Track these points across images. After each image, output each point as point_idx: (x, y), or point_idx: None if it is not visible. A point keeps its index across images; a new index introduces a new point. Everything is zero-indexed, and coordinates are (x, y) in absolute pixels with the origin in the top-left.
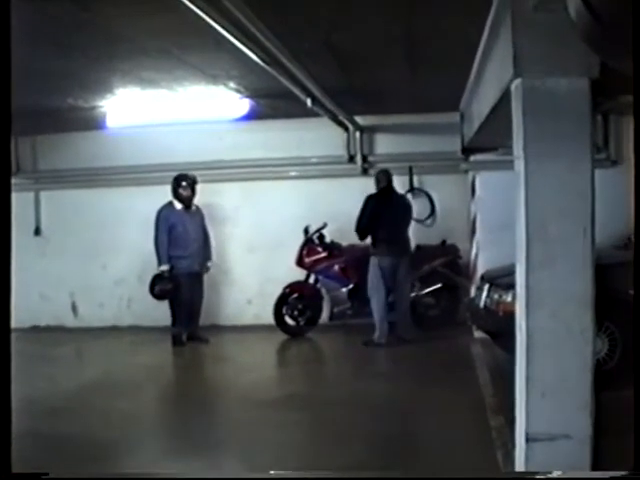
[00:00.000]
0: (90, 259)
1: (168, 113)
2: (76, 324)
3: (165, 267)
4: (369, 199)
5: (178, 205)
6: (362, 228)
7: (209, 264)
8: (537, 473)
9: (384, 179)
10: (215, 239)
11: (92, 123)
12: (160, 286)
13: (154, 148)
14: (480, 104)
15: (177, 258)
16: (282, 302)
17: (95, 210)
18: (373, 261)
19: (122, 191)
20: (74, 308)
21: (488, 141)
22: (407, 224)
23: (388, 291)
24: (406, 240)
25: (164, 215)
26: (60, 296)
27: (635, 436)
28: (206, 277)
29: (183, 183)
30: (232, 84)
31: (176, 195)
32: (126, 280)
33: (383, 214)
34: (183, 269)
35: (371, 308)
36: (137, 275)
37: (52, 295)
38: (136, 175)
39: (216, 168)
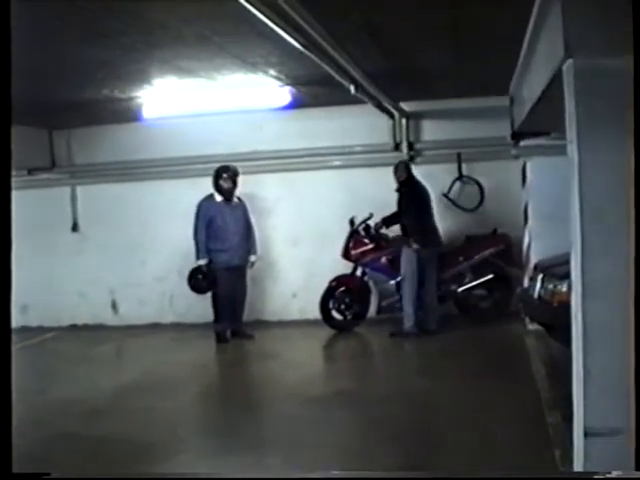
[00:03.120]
0: (129, 255)
1: (207, 103)
2: (116, 322)
3: (202, 261)
4: (398, 192)
5: (219, 197)
6: (403, 218)
7: (253, 258)
8: (595, 473)
9: (404, 171)
10: (258, 232)
11: (129, 115)
12: (195, 280)
13: (193, 139)
14: (530, 87)
15: (216, 252)
16: (328, 296)
17: (133, 204)
18: (408, 253)
19: (161, 184)
20: (114, 306)
21: (539, 125)
22: (432, 213)
23: (420, 282)
24: (436, 230)
25: (203, 208)
26: (99, 294)
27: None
28: (249, 271)
29: (224, 175)
30: (272, 72)
31: (217, 187)
32: (167, 276)
33: (414, 204)
34: (221, 263)
35: (402, 298)
36: (178, 271)
37: (91, 293)
38: (175, 168)
39: (257, 159)
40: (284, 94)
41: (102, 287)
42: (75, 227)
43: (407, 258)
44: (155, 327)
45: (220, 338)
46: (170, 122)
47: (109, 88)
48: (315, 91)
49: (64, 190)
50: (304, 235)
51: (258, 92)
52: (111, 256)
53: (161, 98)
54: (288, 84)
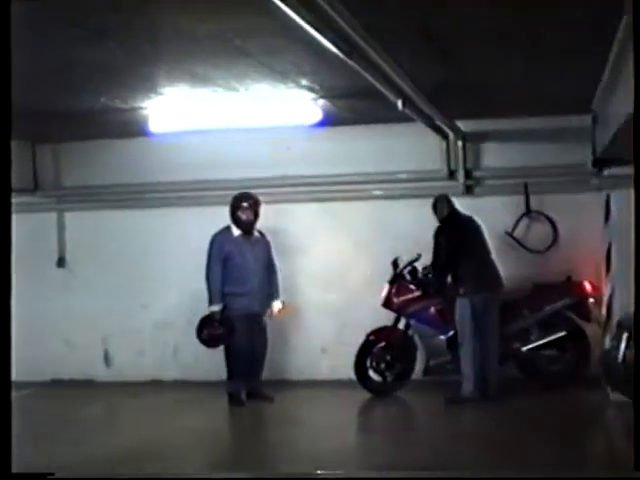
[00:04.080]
0: (128, 297)
1: (225, 117)
2: (109, 377)
3: (216, 307)
4: (440, 233)
5: (236, 231)
6: (442, 268)
7: (277, 305)
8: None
9: (446, 206)
10: (282, 273)
11: (131, 128)
12: (208, 330)
13: (207, 160)
14: (619, 104)
15: (232, 296)
16: (365, 352)
17: (134, 236)
18: (461, 302)
19: (167, 213)
20: (107, 357)
21: (628, 151)
22: (489, 250)
23: (479, 337)
24: (496, 273)
25: (218, 243)
26: (89, 343)
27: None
28: (271, 321)
29: (243, 204)
30: (304, 82)
31: (235, 219)
32: (172, 323)
33: (461, 246)
34: (239, 310)
35: (456, 356)
36: (186, 317)
37: (79, 341)
38: (185, 194)
39: (284, 185)
40: (317, 109)
41: (93, 334)
42: (62, 262)
43: (460, 312)
44: (156, 384)
45: (234, 400)
46: (180, 139)
47: (108, 96)
48: (354, 106)
49: (49, 216)
50: (337, 279)
51: (287, 106)
52: (104, 297)
53: (170, 110)
54: (322, 97)
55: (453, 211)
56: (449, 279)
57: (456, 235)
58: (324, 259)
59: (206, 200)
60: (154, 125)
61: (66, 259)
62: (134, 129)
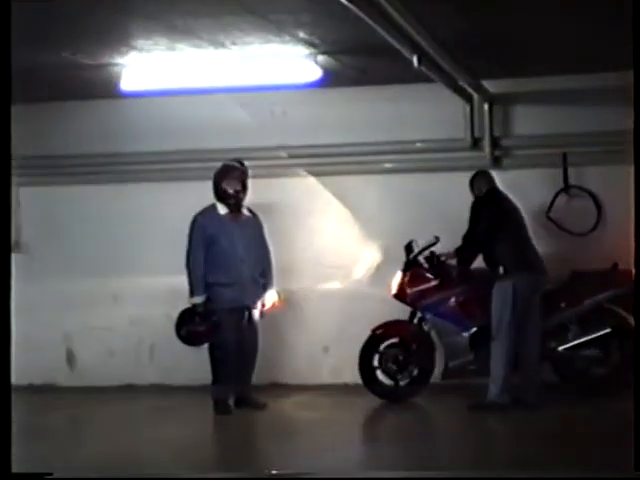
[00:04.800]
0: (95, 287)
1: (210, 76)
2: (73, 382)
3: (198, 299)
4: (478, 207)
5: (222, 209)
6: (478, 243)
7: (270, 297)
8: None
9: (486, 182)
10: (276, 260)
11: (98, 88)
12: (189, 327)
13: (189, 127)
14: None
15: (217, 286)
16: (372, 350)
17: (102, 216)
18: (501, 286)
19: (143, 189)
20: (70, 358)
21: None
22: (530, 236)
23: (518, 331)
24: (539, 257)
25: (200, 224)
26: (50, 340)
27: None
28: (261, 314)
29: (229, 176)
30: (302, 34)
31: (219, 193)
32: (149, 317)
33: (502, 223)
34: (225, 302)
35: (489, 354)
36: (164, 311)
37: (38, 339)
38: (163, 166)
39: (279, 157)
40: (317, 67)
41: (54, 331)
42: (16, 245)
43: (501, 297)
44: (128, 390)
45: (219, 408)
46: (157, 102)
47: (70, 49)
48: (361, 63)
49: None
50: (342, 265)
51: (282, 63)
52: (68, 287)
53: (145, 67)
54: (323, 53)
55: (493, 188)
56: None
57: (496, 211)
58: (326, 243)
59: (187, 174)
60: (126, 83)
61: (21, 242)
62: (102, 89)
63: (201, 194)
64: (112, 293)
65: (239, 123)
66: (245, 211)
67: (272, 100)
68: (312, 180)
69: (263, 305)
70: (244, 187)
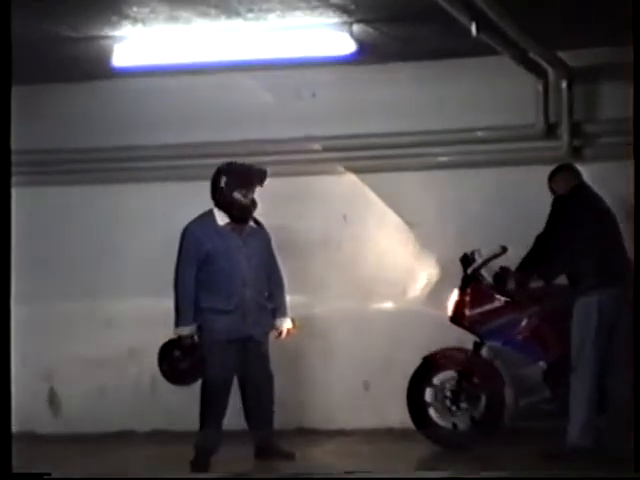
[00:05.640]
0: (84, 310)
1: (222, 51)
2: (57, 428)
3: (185, 330)
4: (561, 209)
5: (222, 218)
6: (562, 259)
7: (282, 325)
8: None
9: (570, 177)
10: (304, 276)
11: (85, 66)
12: (170, 362)
13: (196, 114)
14: None
15: (212, 313)
16: (423, 383)
17: (90, 221)
18: (583, 303)
19: (138, 191)
20: (53, 399)
21: None
22: (624, 245)
23: (604, 360)
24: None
25: (194, 237)
26: (28, 377)
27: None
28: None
29: (246, 182)
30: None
31: (223, 201)
32: (149, 346)
33: (590, 230)
34: (222, 333)
35: (572, 389)
36: (168, 339)
37: (13, 375)
38: (163, 163)
39: (306, 150)
40: (351, 38)
41: (31, 364)
42: None
43: (583, 318)
44: (124, 437)
45: (196, 461)
46: (155, 83)
47: (52, 20)
48: (406, 33)
49: None
50: (386, 283)
51: (309, 34)
52: (51, 311)
53: (142, 41)
54: (359, 21)
55: (581, 185)
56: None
57: (582, 212)
58: (365, 256)
59: (193, 173)
60: (119, 58)
61: None
62: (88, 68)
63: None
64: (104, 316)
65: (258, 109)
66: (249, 223)
67: (298, 80)
68: (350, 178)
69: (280, 333)
70: (253, 200)
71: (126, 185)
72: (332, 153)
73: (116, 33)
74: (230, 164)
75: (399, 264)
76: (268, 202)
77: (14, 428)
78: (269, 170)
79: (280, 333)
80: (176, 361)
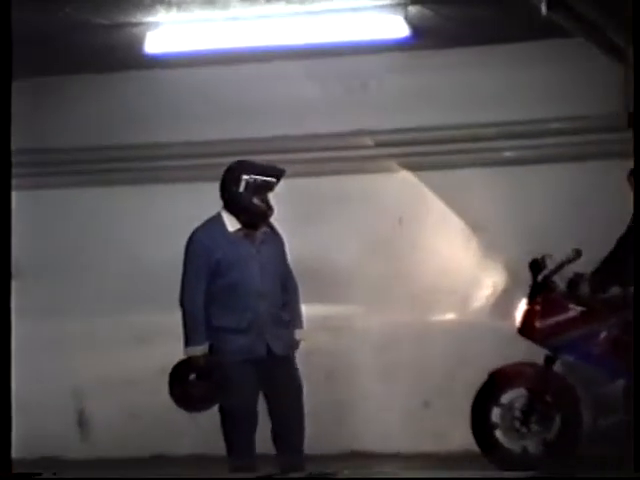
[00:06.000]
0: (113, 325)
1: (263, 36)
2: (86, 453)
3: (197, 350)
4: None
5: (232, 224)
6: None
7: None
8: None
9: None
10: (354, 286)
11: (115, 55)
12: (183, 387)
13: (235, 107)
14: None
15: (226, 332)
16: (489, 401)
17: (119, 226)
18: None
19: (169, 192)
20: (82, 421)
21: None
22: None
23: None
24: None
25: (203, 244)
26: (54, 398)
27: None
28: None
29: (260, 183)
30: None
31: (236, 204)
32: None
33: None
34: (235, 354)
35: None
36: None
37: (38, 396)
38: (197, 162)
39: (357, 146)
40: (407, 21)
41: (60, 386)
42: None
43: None
44: (159, 462)
45: None
46: (191, 73)
47: (78, 5)
48: (465, 14)
49: None
50: (448, 293)
51: (358, 18)
52: (78, 326)
53: (177, 27)
54: (414, 2)
55: None
56: None
57: None
58: (424, 263)
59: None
60: (152, 45)
61: (19, 265)
62: (120, 57)
63: None
64: (135, 333)
65: (303, 100)
66: (264, 228)
67: (348, 69)
68: (405, 176)
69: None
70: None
71: (169, 185)
72: (385, 148)
73: (149, 19)
74: (248, 164)
75: (461, 272)
76: (315, 203)
77: (41, 453)
78: (308, 168)
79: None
80: (189, 385)
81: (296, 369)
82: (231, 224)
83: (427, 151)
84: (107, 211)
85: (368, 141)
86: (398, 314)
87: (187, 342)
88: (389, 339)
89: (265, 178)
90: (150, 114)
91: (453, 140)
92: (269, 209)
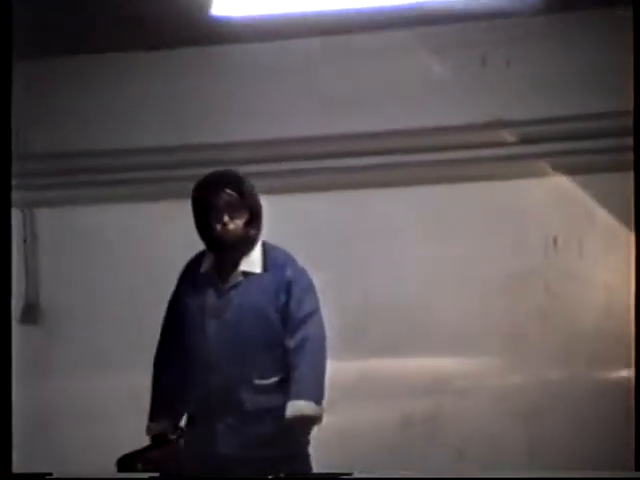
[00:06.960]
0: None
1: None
2: None
3: (155, 427)
4: None
5: (207, 261)
6: None
7: (294, 409)
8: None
9: None
10: (489, 328)
11: (167, 28)
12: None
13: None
14: None
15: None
16: None
17: (163, 253)
18: None
19: None
20: None
21: None
22: None
23: None
24: None
25: (175, 292)
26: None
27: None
28: None
29: (213, 198)
30: None
31: (201, 232)
32: None
33: None
34: (180, 452)
35: None
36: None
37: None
38: (256, 168)
39: (487, 144)
40: None
41: (104, 455)
42: (31, 312)
43: None
44: None
45: None
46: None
47: None
48: None
49: None
50: (614, 339)
51: None
52: (120, 378)
53: None
54: None
55: None
56: None
57: None
58: (585, 297)
59: (300, 183)
60: (220, 6)
61: (40, 306)
62: (174, 29)
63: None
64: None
65: (411, 81)
66: (251, 263)
67: (469, 39)
68: (558, 181)
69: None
70: (251, 221)
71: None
72: (529, 146)
73: None
74: (206, 180)
75: (635, 310)
76: (426, 219)
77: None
78: (425, 172)
79: (291, 424)
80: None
81: None
82: (206, 261)
83: (582, 148)
84: (146, 230)
85: (507, 135)
86: (547, 369)
87: (150, 416)
88: (534, 402)
89: (209, 194)
90: (199, 107)
91: (626, 132)
92: (228, 233)
